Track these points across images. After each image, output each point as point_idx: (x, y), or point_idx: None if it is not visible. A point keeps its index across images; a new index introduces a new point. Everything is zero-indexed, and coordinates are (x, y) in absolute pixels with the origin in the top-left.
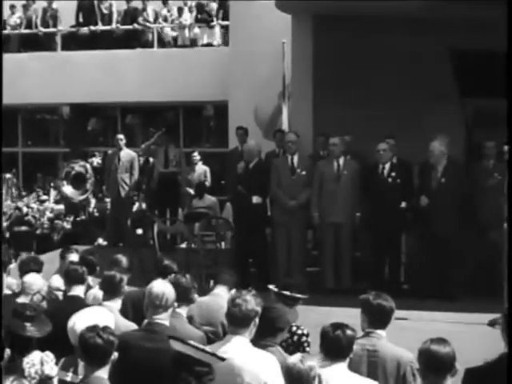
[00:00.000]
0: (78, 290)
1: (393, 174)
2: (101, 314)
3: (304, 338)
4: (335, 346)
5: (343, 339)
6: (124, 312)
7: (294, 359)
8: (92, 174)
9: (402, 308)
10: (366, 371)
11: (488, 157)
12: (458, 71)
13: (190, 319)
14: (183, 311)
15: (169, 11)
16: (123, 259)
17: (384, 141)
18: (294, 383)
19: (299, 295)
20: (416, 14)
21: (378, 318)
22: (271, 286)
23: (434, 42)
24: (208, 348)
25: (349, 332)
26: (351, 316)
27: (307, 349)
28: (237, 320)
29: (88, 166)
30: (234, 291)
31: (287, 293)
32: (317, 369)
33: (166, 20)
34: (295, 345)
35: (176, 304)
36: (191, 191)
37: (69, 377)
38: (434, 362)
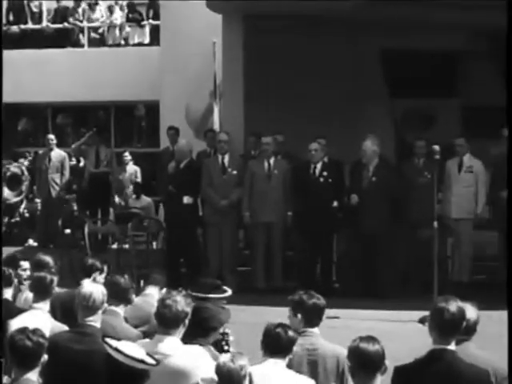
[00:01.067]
0: (6, 293)
1: (324, 173)
2: (38, 318)
3: (224, 337)
4: (275, 343)
5: (284, 338)
6: (53, 314)
7: (225, 358)
8: (27, 175)
9: (333, 307)
10: (307, 370)
11: (418, 156)
12: (388, 72)
13: (126, 320)
14: (121, 310)
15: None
16: (49, 260)
17: (315, 141)
18: (224, 382)
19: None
20: (347, 14)
21: (313, 317)
22: (193, 293)
23: (365, 43)
24: (142, 349)
25: (291, 333)
26: (282, 315)
27: (226, 347)
28: (167, 321)
29: (23, 166)
30: (164, 291)
31: (213, 295)
32: (247, 368)
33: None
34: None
35: (106, 305)
36: (130, 190)
37: (5, 379)
38: (363, 360)
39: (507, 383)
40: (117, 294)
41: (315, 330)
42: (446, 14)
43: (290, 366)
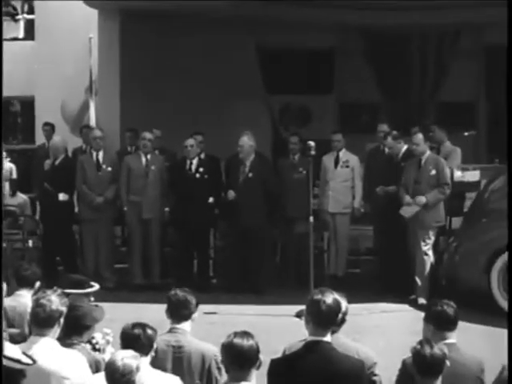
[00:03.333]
0: None
1: (200, 169)
2: None
3: (104, 336)
4: (134, 343)
5: (143, 338)
6: None
7: (115, 356)
8: None
9: (210, 302)
10: (171, 367)
11: (293, 151)
12: (265, 69)
13: None
14: None
15: None
16: None
17: (192, 136)
18: (114, 381)
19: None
20: (223, 13)
21: (182, 313)
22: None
23: (242, 41)
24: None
25: (149, 331)
26: (160, 312)
27: (101, 347)
28: (41, 320)
29: None
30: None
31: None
32: (135, 365)
33: None
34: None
35: None
36: (6, 188)
37: None
38: (237, 356)
39: (375, 370)
40: None
41: (183, 326)
42: (320, 13)
43: (153, 362)
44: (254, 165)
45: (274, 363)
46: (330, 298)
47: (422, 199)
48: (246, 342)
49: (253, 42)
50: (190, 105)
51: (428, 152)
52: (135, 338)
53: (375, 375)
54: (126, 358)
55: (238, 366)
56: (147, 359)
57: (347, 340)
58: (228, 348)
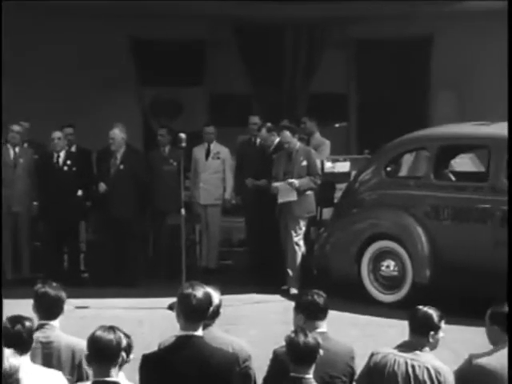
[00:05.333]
0: None
1: (68, 162)
2: None
3: None
4: (16, 339)
5: (24, 332)
6: None
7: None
8: None
9: (82, 297)
10: (41, 363)
11: (162, 143)
12: (137, 60)
13: None
14: None
15: None
16: None
17: (60, 129)
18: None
19: None
20: (97, 4)
21: (50, 309)
22: None
23: (113, 32)
24: None
25: (27, 323)
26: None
27: None
28: None
29: None
30: None
31: None
32: (18, 363)
33: None
34: None
35: None
36: None
37: None
38: (97, 350)
39: (250, 363)
40: None
41: (52, 322)
42: (191, 4)
43: None
44: (125, 157)
45: (146, 358)
46: (200, 291)
47: (295, 181)
48: (106, 336)
49: (125, 32)
50: (62, 96)
51: (298, 143)
52: (17, 334)
53: (250, 368)
54: (9, 357)
55: (100, 359)
56: (27, 355)
57: (221, 333)
58: (90, 341)
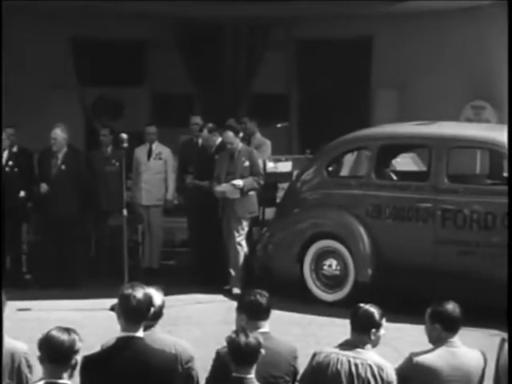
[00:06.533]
0: None
1: (10, 162)
2: None
3: None
4: None
5: None
6: None
7: None
8: None
9: (24, 299)
10: None
11: (104, 144)
12: (78, 60)
13: None
14: None
15: None
16: None
17: (3, 130)
18: None
19: None
20: (39, 4)
21: None
22: None
23: (54, 31)
24: None
25: None
26: None
27: None
28: None
29: None
30: None
31: None
32: None
33: None
34: None
35: None
36: None
37: None
38: (52, 351)
39: (193, 364)
40: None
41: None
42: (133, 4)
43: None
44: (67, 157)
45: (87, 360)
46: (140, 292)
47: (240, 181)
48: (59, 337)
49: (67, 32)
50: (4, 97)
51: (241, 144)
52: None
53: (193, 370)
54: None
55: (49, 361)
56: None
57: (164, 334)
58: (42, 341)
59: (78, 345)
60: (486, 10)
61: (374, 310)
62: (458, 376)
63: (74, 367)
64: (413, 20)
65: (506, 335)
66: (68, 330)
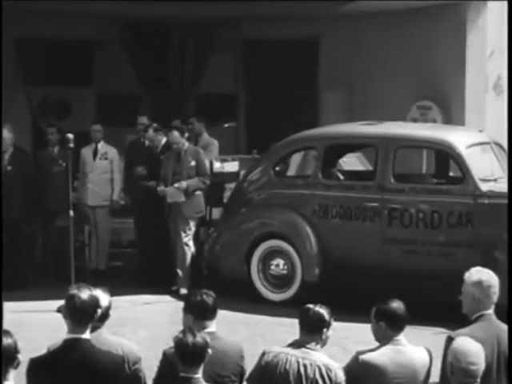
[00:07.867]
0: None
1: None
2: None
3: None
4: None
5: None
6: None
7: None
8: None
9: None
10: None
11: (51, 143)
12: (24, 60)
13: None
14: None
15: None
16: None
17: None
18: None
19: None
20: None
21: None
22: None
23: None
24: None
25: None
26: None
27: None
28: None
29: None
30: None
31: None
32: None
33: None
34: None
35: None
36: None
37: None
38: None
39: (140, 366)
40: None
41: None
42: (80, 3)
43: None
44: (13, 158)
45: (33, 362)
46: (86, 293)
47: (183, 183)
48: (4, 341)
49: (13, 31)
50: None
51: (187, 144)
52: None
53: (140, 371)
54: None
55: None
56: None
57: (111, 336)
58: None
59: (18, 345)
60: (434, 11)
61: (323, 310)
62: (403, 374)
63: (15, 367)
64: (360, 21)
65: (452, 333)
66: (7, 333)
